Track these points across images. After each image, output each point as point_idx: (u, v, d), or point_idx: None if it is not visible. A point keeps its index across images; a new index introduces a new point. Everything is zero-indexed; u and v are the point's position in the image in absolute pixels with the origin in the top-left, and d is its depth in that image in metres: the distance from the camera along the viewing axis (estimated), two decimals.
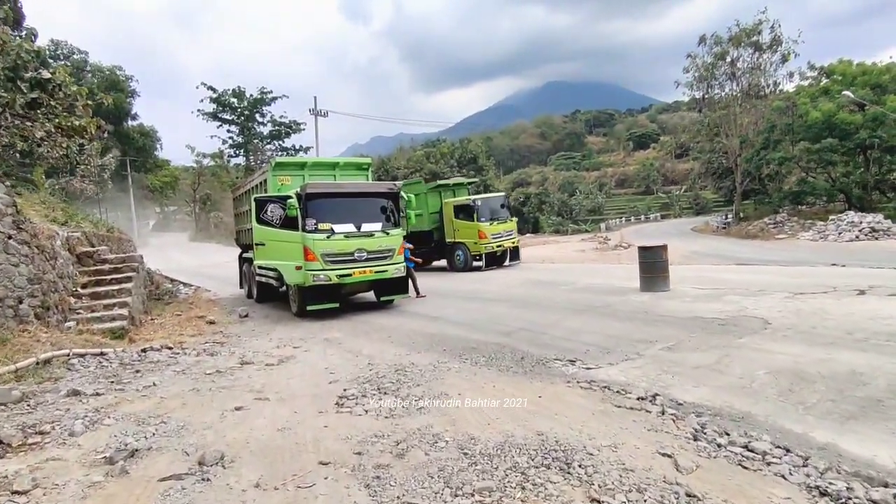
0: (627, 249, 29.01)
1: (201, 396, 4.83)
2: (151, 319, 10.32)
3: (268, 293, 12.28)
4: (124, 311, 9.09)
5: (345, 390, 4.83)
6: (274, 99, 48.17)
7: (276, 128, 48.21)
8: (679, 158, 79.60)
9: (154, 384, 5.18)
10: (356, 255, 9.84)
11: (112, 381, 5.22)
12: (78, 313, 8.95)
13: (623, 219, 57.90)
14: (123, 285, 9.86)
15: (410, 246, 11.54)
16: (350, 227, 9.92)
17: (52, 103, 18.49)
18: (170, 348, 7.26)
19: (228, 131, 48.23)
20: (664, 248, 10.24)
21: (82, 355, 6.03)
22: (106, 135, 39.97)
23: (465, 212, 16.59)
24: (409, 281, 11.20)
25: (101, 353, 6.22)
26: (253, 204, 9.89)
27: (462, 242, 16.73)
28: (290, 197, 9.67)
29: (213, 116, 47.45)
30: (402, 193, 10.55)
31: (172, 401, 4.71)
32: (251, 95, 47.66)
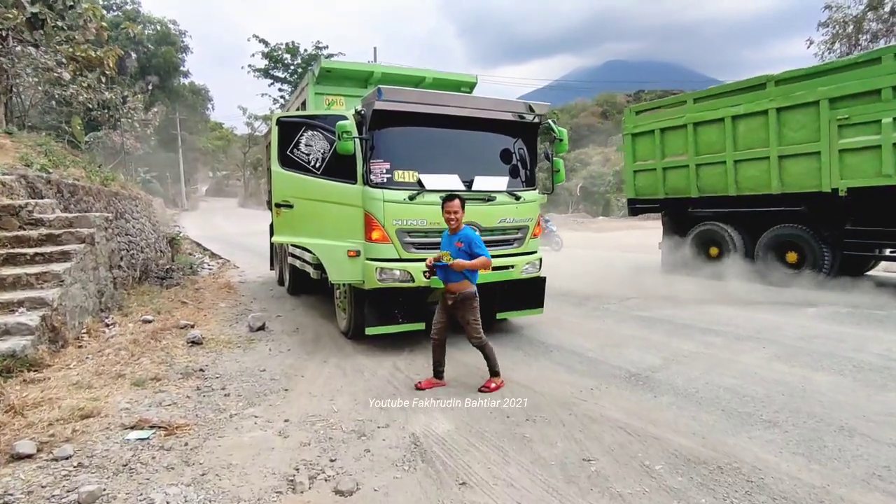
0: None
1: None
2: (105, 326, 6.05)
3: (306, 281, 7.84)
4: (32, 319, 4.80)
5: None
6: (329, 56, 43.88)
7: None
8: None
9: None
10: None
11: None
12: None
13: None
14: (51, 267, 5.58)
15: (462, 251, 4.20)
16: (452, 181, 5.21)
17: (59, 24, 14.68)
18: None
19: (280, 90, 44.50)
20: None
21: None
22: (150, 87, 37.22)
23: None
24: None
25: None
26: (275, 131, 5.31)
27: None
28: (342, 117, 5.05)
29: (265, 73, 43.71)
30: (551, 124, 5.69)
31: None
32: (305, 51, 43.56)
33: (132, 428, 3.27)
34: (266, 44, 43.71)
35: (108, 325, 6.11)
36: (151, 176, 39.09)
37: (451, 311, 4.14)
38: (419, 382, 4.19)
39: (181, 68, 47.30)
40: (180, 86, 47.93)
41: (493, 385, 4.08)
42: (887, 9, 29.70)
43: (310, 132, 5.26)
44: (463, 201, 4.11)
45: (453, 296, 4.08)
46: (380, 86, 4.92)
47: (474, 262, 3.98)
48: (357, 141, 4.97)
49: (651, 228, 29.19)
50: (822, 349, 4.82)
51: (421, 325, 5.24)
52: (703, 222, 9.22)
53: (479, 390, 4.01)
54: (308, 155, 5.26)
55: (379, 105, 4.87)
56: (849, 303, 6.67)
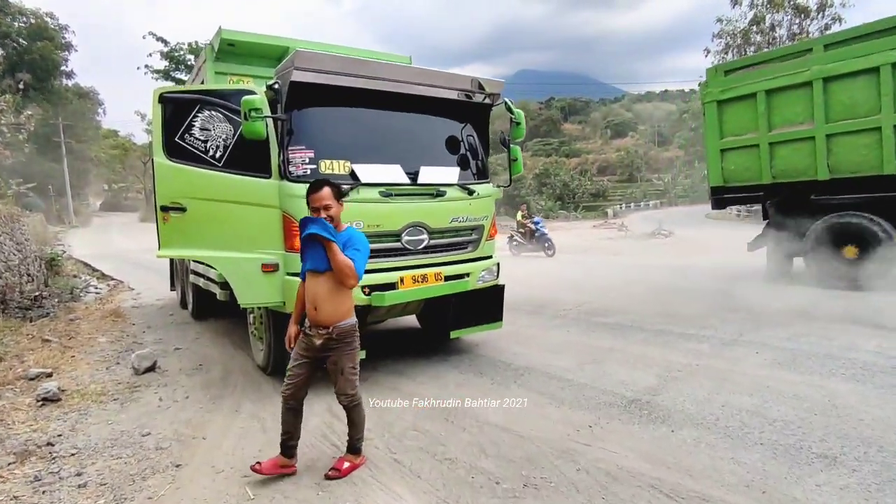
0: (668, 238, 24.16)
1: None
2: None
3: (214, 302, 6.40)
4: None
5: None
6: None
7: None
8: (661, 146, 77.94)
9: None
10: (406, 238, 4.18)
11: None
12: None
13: (623, 205, 54.06)
14: None
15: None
16: (393, 173, 4.21)
17: None
18: None
19: None
20: None
21: None
22: (22, 85, 32.59)
23: None
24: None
25: None
26: (157, 110, 4.03)
27: None
28: (249, 92, 3.90)
29: (165, 75, 39.91)
30: (509, 104, 4.85)
31: None
32: None
33: None
34: (165, 43, 40.03)
35: None
36: (28, 188, 34.10)
37: (316, 357, 2.80)
38: (258, 463, 2.77)
39: (63, 67, 42.12)
40: (62, 87, 42.62)
41: (345, 465, 2.78)
42: (767, 23, 32.93)
43: (207, 112, 4.02)
44: (338, 190, 2.81)
45: (326, 332, 2.74)
46: (298, 49, 3.83)
47: (346, 260, 2.64)
48: (270, 122, 3.84)
49: (580, 228, 29.70)
50: (817, 350, 4.36)
51: (360, 354, 4.16)
52: (834, 213, 6.83)
53: (327, 476, 2.71)
54: (205, 142, 4.01)
55: (297, 76, 3.77)
56: None
